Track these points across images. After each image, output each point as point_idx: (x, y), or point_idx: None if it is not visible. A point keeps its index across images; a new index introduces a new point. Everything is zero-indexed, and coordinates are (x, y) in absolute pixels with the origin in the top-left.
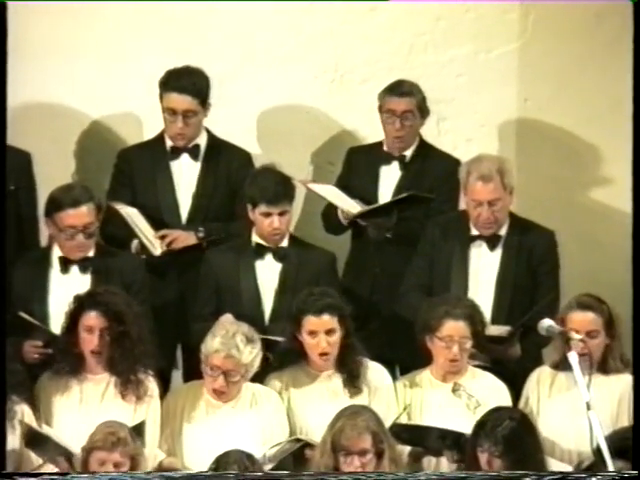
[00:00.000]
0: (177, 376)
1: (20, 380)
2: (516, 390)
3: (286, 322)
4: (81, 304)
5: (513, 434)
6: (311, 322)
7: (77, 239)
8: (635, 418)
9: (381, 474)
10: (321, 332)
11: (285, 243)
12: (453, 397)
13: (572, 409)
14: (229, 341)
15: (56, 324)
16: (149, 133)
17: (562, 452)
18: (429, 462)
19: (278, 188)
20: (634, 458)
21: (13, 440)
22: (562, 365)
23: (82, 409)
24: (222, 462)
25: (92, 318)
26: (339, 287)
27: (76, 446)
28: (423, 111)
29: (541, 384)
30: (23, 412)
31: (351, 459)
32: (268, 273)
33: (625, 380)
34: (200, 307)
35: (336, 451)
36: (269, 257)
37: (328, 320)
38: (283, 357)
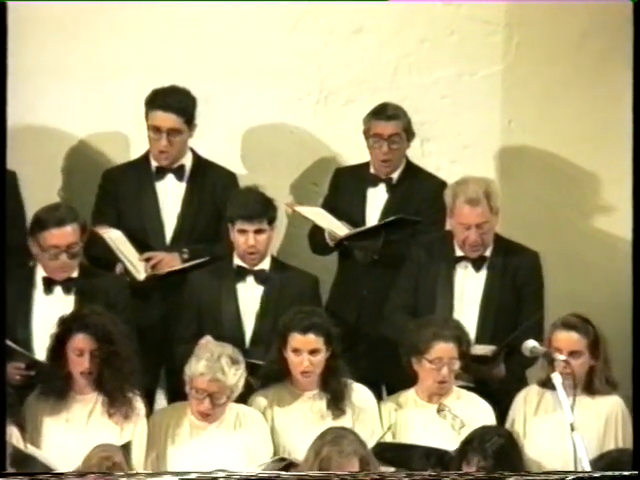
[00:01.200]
0: (160, 397)
1: (9, 402)
2: (500, 410)
3: (272, 338)
4: (68, 327)
5: (502, 450)
6: (296, 340)
7: (61, 259)
8: (635, 419)
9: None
10: (305, 351)
11: (267, 265)
12: (438, 418)
13: (558, 430)
14: (214, 364)
15: (39, 344)
16: (136, 152)
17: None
18: None
19: (256, 206)
20: (634, 458)
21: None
22: (549, 384)
23: (69, 428)
24: None
25: (81, 340)
26: (321, 310)
27: (63, 466)
28: (409, 134)
29: (527, 405)
30: (11, 434)
31: None
32: (249, 296)
33: (611, 402)
34: (182, 329)
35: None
36: (250, 280)
37: (313, 340)
38: (268, 374)
